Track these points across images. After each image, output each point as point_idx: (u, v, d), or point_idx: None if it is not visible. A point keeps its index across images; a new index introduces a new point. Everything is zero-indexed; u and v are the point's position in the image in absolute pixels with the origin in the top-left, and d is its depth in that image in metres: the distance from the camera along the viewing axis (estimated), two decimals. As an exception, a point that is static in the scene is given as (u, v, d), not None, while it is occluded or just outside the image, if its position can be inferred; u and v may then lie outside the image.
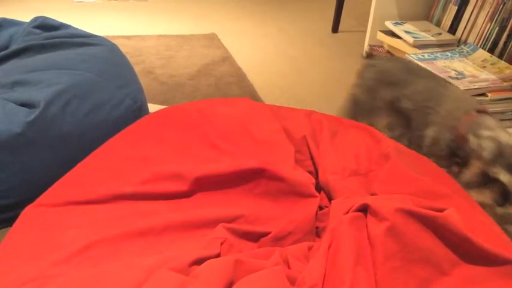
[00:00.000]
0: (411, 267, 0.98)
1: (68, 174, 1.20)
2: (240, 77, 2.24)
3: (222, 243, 1.01)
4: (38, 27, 1.68)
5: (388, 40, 2.04)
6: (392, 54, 2.04)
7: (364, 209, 1.06)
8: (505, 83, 1.57)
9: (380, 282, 0.95)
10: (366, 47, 2.16)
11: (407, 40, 1.92)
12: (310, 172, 1.29)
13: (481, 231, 1.06)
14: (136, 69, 2.25)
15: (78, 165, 1.22)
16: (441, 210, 1.05)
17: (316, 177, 1.28)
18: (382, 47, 2.11)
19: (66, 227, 1.03)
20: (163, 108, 1.51)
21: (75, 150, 1.31)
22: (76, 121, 1.35)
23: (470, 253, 1.01)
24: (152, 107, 1.63)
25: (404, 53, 1.86)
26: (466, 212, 1.12)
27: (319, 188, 1.25)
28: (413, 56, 1.77)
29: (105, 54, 1.59)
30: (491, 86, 1.56)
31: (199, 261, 0.94)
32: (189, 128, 1.34)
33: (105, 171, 1.19)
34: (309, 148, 1.36)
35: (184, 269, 0.91)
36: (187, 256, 0.94)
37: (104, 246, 0.99)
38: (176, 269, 0.90)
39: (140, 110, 1.57)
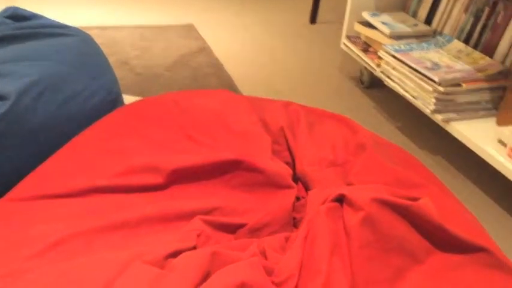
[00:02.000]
0: (386, 256, 0.99)
1: (40, 167, 1.17)
2: (217, 68, 2.22)
3: (198, 236, 1.00)
4: (9, 17, 1.63)
5: (365, 31, 2.04)
6: (369, 45, 2.05)
7: (340, 199, 1.06)
8: (480, 74, 1.59)
9: (356, 271, 0.95)
10: (343, 39, 2.16)
11: (384, 31, 1.93)
12: (287, 163, 1.29)
13: (455, 220, 1.08)
14: (111, 60, 2.22)
15: (50, 158, 1.20)
16: (416, 199, 1.06)
17: (294, 168, 1.28)
18: (359, 38, 2.11)
19: (38, 221, 1.01)
20: (139, 100, 1.48)
21: (47, 143, 1.29)
22: (48, 113, 1.32)
23: (444, 241, 1.03)
24: (127, 99, 1.61)
25: (381, 43, 1.87)
26: (440, 201, 1.13)
27: (296, 178, 1.25)
28: (390, 47, 1.78)
29: (78, 45, 1.56)
30: (466, 76, 1.57)
31: (175, 254, 0.93)
32: (165, 119, 1.33)
33: (78, 164, 1.17)
34: (286, 139, 1.36)
35: (160, 262, 0.90)
36: (163, 249, 0.93)
37: (77, 240, 0.97)
38: (151, 262, 0.89)
39: (115, 102, 1.54)
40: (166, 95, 1.48)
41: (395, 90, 1.73)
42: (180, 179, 1.14)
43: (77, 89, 1.41)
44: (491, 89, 1.59)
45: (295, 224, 1.15)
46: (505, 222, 1.33)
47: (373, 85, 2.06)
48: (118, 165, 1.15)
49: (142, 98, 1.53)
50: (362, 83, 2.12)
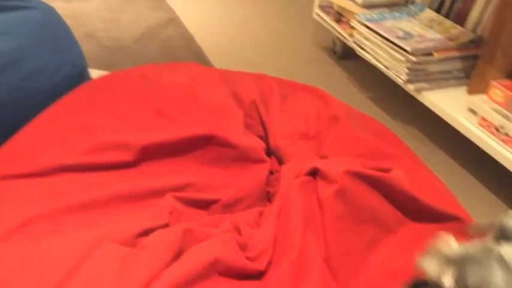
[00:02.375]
0: (359, 228, 0.99)
1: (4, 146, 1.12)
2: (187, 39, 2.17)
3: (170, 213, 0.98)
4: (-35, -11, 1.55)
5: (338, 0, 2.01)
6: (342, 15, 2.02)
7: (314, 173, 1.06)
8: (451, 43, 1.59)
9: (329, 244, 0.96)
10: (316, 8, 2.13)
11: (356, 0, 1.90)
12: (260, 137, 1.28)
13: (427, 190, 1.09)
14: (77, 33, 2.13)
15: (14, 137, 1.15)
16: (388, 170, 1.07)
17: (267, 141, 1.27)
18: (332, 7, 2.08)
19: (2, 202, 0.98)
20: (106, 74, 1.44)
21: (10, 121, 1.23)
22: (11, 90, 1.26)
23: (416, 211, 1.04)
24: (94, 73, 1.55)
25: (353, 13, 1.84)
26: (412, 171, 1.14)
27: (269, 152, 1.24)
28: (362, 16, 1.76)
29: (40, 18, 1.49)
30: (438, 45, 1.57)
31: (146, 232, 0.91)
32: (133, 94, 1.29)
33: (43, 142, 1.13)
34: (258, 112, 1.34)
35: (130, 241, 0.89)
36: (133, 227, 0.91)
37: (44, 221, 0.94)
38: (121, 241, 0.87)
39: (81, 77, 1.49)
40: (135, 68, 1.44)
41: (367, 60, 1.72)
42: (150, 156, 1.11)
43: (41, 64, 1.36)
44: (462, 58, 1.60)
45: (268, 198, 1.14)
46: (475, 190, 1.36)
47: (345, 55, 2.04)
48: (85, 143, 1.12)
49: (109, 72, 1.48)
50: (335, 53, 2.10)
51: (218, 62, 1.99)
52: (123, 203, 1.00)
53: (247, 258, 0.90)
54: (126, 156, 1.09)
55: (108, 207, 0.99)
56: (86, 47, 2.01)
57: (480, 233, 0.74)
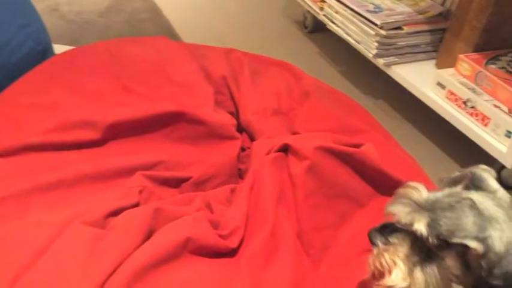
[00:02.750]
0: (331, 203, 1.00)
1: (-37, 126, 1.08)
2: (154, 12, 2.11)
3: (140, 192, 0.97)
4: None
5: (307, -27, 1.98)
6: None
7: (285, 149, 1.06)
8: (420, 16, 1.59)
9: (301, 219, 0.96)
10: (285, -20, 2.09)
11: (327, -27, 1.88)
12: (231, 113, 1.26)
13: (396, 164, 1.10)
14: (39, 6, 2.04)
15: (-26, 116, 1.10)
16: (359, 146, 1.07)
17: (238, 118, 1.25)
18: (301, -20, 2.05)
19: (-36, 185, 0.94)
20: (70, 50, 1.39)
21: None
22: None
23: (385, 185, 1.05)
24: (58, 48, 1.50)
25: (324, -14, 1.82)
26: (382, 146, 1.15)
27: (240, 129, 1.23)
28: (332, -11, 1.74)
29: (-2, -10, 1.42)
30: (407, 19, 1.57)
31: (116, 213, 0.90)
32: (99, 70, 1.25)
33: (6, 121, 1.08)
34: (229, 88, 1.32)
35: (100, 221, 0.87)
36: (102, 208, 0.89)
37: (9, 202, 0.91)
38: (90, 222, 0.85)
39: (44, 52, 1.43)
40: (100, 43, 1.39)
41: (338, 34, 1.71)
42: (117, 134, 1.08)
43: (1, 40, 1.30)
44: (431, 32, 1.60)
45: (240, 175, 1.13)
46: (443, 163, 1.38)
47: (316, 29, 2.03)
48: (50, 121, 1.08)
49: (74, 47, 1.43)
50: (305, 27, 2.09)
51: (186, 36, 1.95)
52: (91, 182, 0.98)
53: (219, 236, 0.90)
54: (93, 135, 1.06)
55: (75, 188, 0.96)
56: (49, 22, 1.93)
57: (451, 186, 0.75)
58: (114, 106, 1.12)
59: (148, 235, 0.85)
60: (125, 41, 1.44)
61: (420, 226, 0.67)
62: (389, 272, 0.71)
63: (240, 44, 1.63)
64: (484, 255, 0.65)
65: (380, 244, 0.73)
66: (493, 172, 0.75)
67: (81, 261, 0.78)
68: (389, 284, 0.71)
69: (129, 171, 1.01)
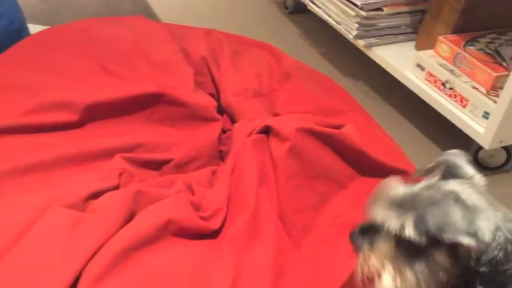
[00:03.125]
0: (312, 184, 1.00)
1: None
2: (132, -8, 2.07)
3: (120, 175, 0.96)
4: None
5: (288, -48, 1.96)
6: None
7: (266, 130, 1.05)
8: (400, -3, 1.59)
9: (283, 201, 0.96)
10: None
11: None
12: (211, 94, 1.25)
13: (377, 145, 1.11)
14: (12, -17, 1.99)
15: None
16: (339, 127, 1.08)
17: (218, 99, 1.24)
18: (281, -41, 2.03)
19: None
20: (46, 29, 1.36)
21: None
22: None
23: (366, 166, 1.06)
24: (33, 28, 1.46)
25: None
26: (362, 127, 1.16)
27: (221, 110, 1.22)
28: (313, -31, 1.73)
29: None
30: (388, 0, 1.57)
31: (96, 195, 0.89)
32: (76, 50, 1.22)
33: (-20, 103, 1.06)
34: (209, 69, 1.31)
35: (80, 204, 0.86)
36: (82, 190, 0.88)
37: (-15, 186, 0.89)
38: (70, 205, 0.84)
39: (19, 32, 1.39)
40: (77, 23, 1.36)
41: (318, 15, 1.70)
42: (96, 115, 1.06)
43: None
44: (411, 13, 1.60)
45: (221, 157, 1.13)
46: (423, 144, 1.40)
47: (297, 10, 2.01)
48: (26, 103, 1.06)
49: (49, 26, 1.39)
50: (286, 8, 2.07)
51: (165, 15, 1.91)
52: (70, 165, 0.97)
53: (201, 217, 0.89)
54: (71, 116, 1.05)
55: (54, 170, 0.95)
56: (24, 0, 1.87)
57: (426, 176, 0.73)
58: (92, 87, 1.10)
59: (129, 217, 0.85)
60: (102, 20, 1.41)
61: (408, 229, 0.65)
62: (379, 275, 0.69)
63: (219, 24, 1.61)
64: (475, 248, 0.64)
65: (364, 247, 0.71)
66: (467, 156, 0.73)
67: (61, 244, 0.77)
68: (382, 287, 0.69)
69: (109, 154, 1.00)
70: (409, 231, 0.65)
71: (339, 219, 0.97)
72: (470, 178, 0.71)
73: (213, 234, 0.90)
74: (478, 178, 0.72)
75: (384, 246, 0.69)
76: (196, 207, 0.92)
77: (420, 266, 0.67)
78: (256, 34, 1.64)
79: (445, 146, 1.37)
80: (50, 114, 1.04)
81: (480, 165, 1.28)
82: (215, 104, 1.18)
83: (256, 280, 0.82)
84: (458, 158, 0.73)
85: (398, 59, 1.49)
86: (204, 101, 1.16)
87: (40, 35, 1.30)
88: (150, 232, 0.82)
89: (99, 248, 0.77)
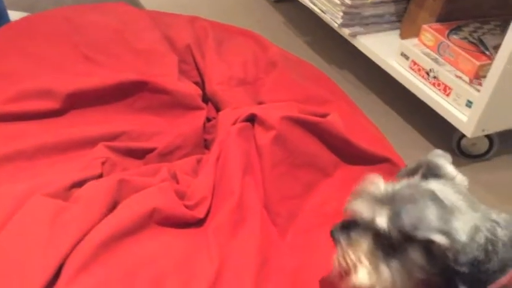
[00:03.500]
0: (297, 172, 1.01)
1: None
2: (115, -21, 2.03)
3: (103, 163, 0.95)
4: None
5: None
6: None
7: (251, 119, 1.05)
8: (385, -14, 1.59)
9: (268, 189, 0.96)
10: None
11: None
12: (196, 83, 1.24)
13: (361, 134, 1.11)
14: (-10, -31, 1.94)
15: None
16: (325, 116, 1.08)
17: (203, 88, 1.23)
18: None
19: None
20: (27, 16, 1.33)
21: None
22: None
23: (351, 154, 1.06)
24: (14, 15, 1.43)
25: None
26: (347, 116, 1.16)
27: (206, 99, 1.21)
28: (298, -43, 1.71)
29: None
30: (372, -11, 1.57)
31: (78, 184, 0.88)
32: (57, 38, 1.20)
33: (-42, 91, 1.03)
34: (193, 57, 1.29)
35: (62, 193, 0.85)
36: (65, 179, 0.86)
37: (-35, 176, 0.88)
38: (52, 194, 0.83)
39: (-2, 18, 1.37)
40: (58, 10, 1.34)
41: (304, 3, 1.70)
42: (78, 104, 1.05)
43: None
44: (396, 2, 1.60)
45: (206, 145, 1.12)
46: (406, 132, 1.40)
47: (281, -2, 2.00)
48: (7, 91, 1.04)
49: (30, 13, 1.37)
50: (270, -4, 2.06)
51: (148, 2, 1.88)
52: (52, 154, 0.95)
53: (185, 206, 0.89)
54: (52, 104, 1.03)
55: (35, 159, 0.93)
56: (1, -14, 1.83)
57: (409, 176, 0.74)
58: (73, 75, 1.09)
59: (113, 207, 0.84)
60: (83, 7, 1.39)
61: (381, 221, 0.66)
62: (355, 269, 0.70)
63: (203, 12, 1.59)
64: (450, 247, 0.64)
65: (343, 241, 0.72)
66: (449, 157, 0.74)
67: (43, 234, 0.76)
68: (357, 283, 0.70)
69: (91, 142, 0.98)
70: (384, 226, 0.66)
71: (323, 207, 0.97)
72: (451, 179, 0.71)
73: (198, 223, 0.89)
74: (460, 178, 0.72)
75: (361, 241, 0.70)
76: (181, 196, 0.91)
77: (396, 263, 0.68)
78: (241, 22, 1.63)
79: (428, 135, 1.39)
80: (30, 102, 1.02)
81: (462, 153, 1.29)
82: (200, 92, 1.18)
83: (241, 268, 0.82)
84: (440, 158, 0.74)
85: (383, 48, 1.50)
86: (188, 89, 1.15)
87: (20, 22, 1.28)
88: (134, 221, 0.81)
89: (82, 237, 0.76)
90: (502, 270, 0.67)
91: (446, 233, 0.64)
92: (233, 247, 0.85)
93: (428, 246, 0.65)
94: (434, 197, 0.66)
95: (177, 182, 0.97)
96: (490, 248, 0.67)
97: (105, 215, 0.81)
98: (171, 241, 0.84)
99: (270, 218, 0.93)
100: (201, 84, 1.25)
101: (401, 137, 1.36)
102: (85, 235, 0.77)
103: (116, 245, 0.78)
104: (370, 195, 0.70)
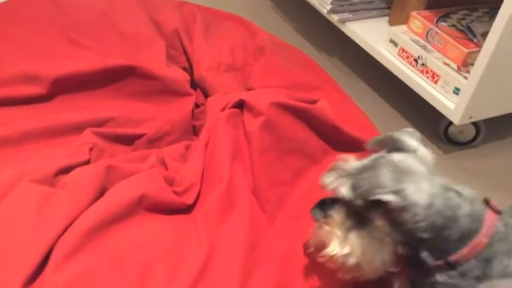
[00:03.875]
0: (285, 159, 1.00)
1: None
2: (101, -38, 1.99)
3: (91, 149, 0.94)
4: None
5: None
6: None
7: (240, 105, 1.04)
8: (374, -27, 1.59)
9: (256, 175, 0.96)
10: None
11: None
12: (184, 68, 1.23)
13: (350, 120, 1.12)
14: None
15: None
16: (314, 102, 1.08)
17: (191, 73, 1.22)
18: None
19: None
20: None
21: None
22: None
23: (339, 141, 1.07)
24: (-4, -3, 1.40)
25: None
26: (336, 102, 1.16)
27: (194, 85, 1.20)
28: None
29: None
30: (362, -25, 1.56)
31: (66, 170, 0.87)
32: (42, 22, 1.18)
33: None
34: (181, 42, 1.28)
35: (49, 179, 0.84)
36: (52, 165, 0.86)
37: (-51, 162, 0.86)
38: (40, 180, 0.82)
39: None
40: (43, -8, 1.31)
41: (292, -11, 1.68)
42: (65, 89, 1.03)
43: None
44: (384, -11, 1.60)
45: (195, 131, 1.12)
46: (394, 119, 1.41)
47: (270, -16, 1.98)
48: (-10, 75, 1.02)
49: (13, -4, 1.33)
50: (259, -19, 2.04)
51: (136, -13, 1.86)
52: (38, 140, 0.94)
53: (174, 192, 0.89)
54: (38, 89, 1.01)
55: (21, 145, 0.92)
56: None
57: (377, 148, 0.79)
58: (60, 60, 1.07)
59: (101, 193, 0.83)
60: (69, -10, 1.36)
61: (344, 190, 0.71)
62: (328, 240, 0.75)
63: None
64: (404, 208, 0.68)
65: (319, 217, 0.77)
66: (417, 134, 0.78)
67: (31, 220, 0.75)
68: (330, 253, 0.74)
69: (79, 128, 0.97)
70: (347, 195, 0.71)
71: (312, 194, 0.97)
72: (413, 151, 0.75)
73: (187, 209, 0.89)
74: (423, 152, 0.75)
75: (335, 215, 0.75)
76: (170, 182, 0.91)
77: (365, 231, 0.73)
78: (229, 7, 1.61)
79: (416, 122, 1.39)
80: (16, 88, 1.00)
81: (450, 140, 1.30)
82: (188, 78, 1.17)
83: (230, 254, 0.82)
84: (404, 134, 0.77)
85: (372, 35, 1.49)
86: (177, 74, 1.14)
87: (5, 6, 1.25)
88: (123, 207, 0.80)
89: (71, 223, 0.76)
90: (463, 241, 0.70)
91: (397, 192, 0.68)
92: (222, 233, 0.85)
93: (389, 210, 0.69)
94: (394, 165, 0.70)
95: (166, 168, 0.96)
96: (449, 214, 0.70)
97: (93, 201, 0.80)
98: (159, 227, 0.84)
99: (259, 204, 0.93)
100: (190, 70, 1.24)
101: (389, 123, 1.37)
102: (73, 221, 0.76)
103: (104, 231, 0.78)
104: (340, 170, 0.74)
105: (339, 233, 0.74)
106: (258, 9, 1.86)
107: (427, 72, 1.29)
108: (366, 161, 0.74)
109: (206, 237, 0.83)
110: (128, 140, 1.03)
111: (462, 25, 1.33)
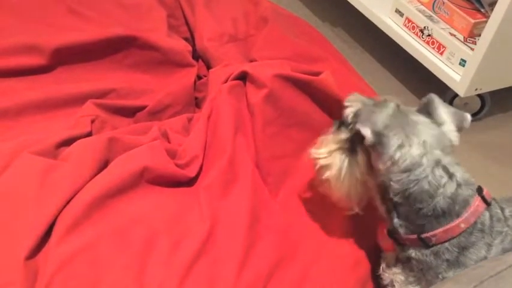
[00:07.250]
0: (289, 131, 0.99)
1: None
2: None
3: (92, 121, 0.93)
4: None
5: None
6: None
7: (243, 77, 1.03)
8: None
9: (259, 148, 0.95)
10: None
11: None
12: (186, 39, 1.21)
13: (353, 92, 1.10)
14: None
15: None
16: (317, 74, 1.06)
17: (193, 44, 1.20)
18: None
19: None
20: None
21: None
22: None
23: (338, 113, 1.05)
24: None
25: None
26: (340, 74, 1.14)
27: (196, 56, 1.18)
28: None
29: None
30: None
31: (67, 142, 0.86)
32: (41, -10, 1.15)
33: None
34: (183, 12, 1.25)
35: (51, 151, 0.83)
36: (53, 137, 0.85)
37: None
38: (41, 152, 0.82)
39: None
40: (41, -40, 1.28)
41: (296, -43, 1.64)
42: (65, 60, 1.01)
43: None
44: (391, -43, 1.56)
45: (197, 104, 1.10)
46: (399, 91, 1.40)
47: (273, -49, 1.94)
48: (-12, 46, 1.00)
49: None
50: (262, -51, 1.99)
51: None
52: (39, 111, 0.93)
53: (177, 165, 0.88)
54: (38, 60, 1.00)
55: (21, 117, 0.91)
56: None
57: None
58: (60, 30, 1.05)
59: (103, 165, 0.83)
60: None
61: (348, 111, 0.75)
62: (321, 146, 0.81)
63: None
64: (379, 154, 0.70)
65: (331, 130, 0.83)
66: (463, 115, 0.77)
67: (33, 192, 0.75)
68: (313, 155, 0.81)
69: (80, 100, 0.96)
70: (350, 117, 0.75)
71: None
72: (440, 124, 0.74)
73: (190, 181, 0.89)
74: (449, 129, 0.75)
75: (343, 133, 0.79)
76: (172, 154, 0.90)
77: (348, 157, 0.78)
78: (232, -24, 1.58)
79: (420, 94, 1.38)
80: (15, 58, 0.99)
81: (454, 113, 1.29)
82: (190, 48, 1.15)
83: (232, 227, 0.82)
84: (443, 104, 0.77)
85: (377, 4, 1.47)
86: (178, 45, 1.11)
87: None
88: (125, 179, 0.80)
89: (73, 195, 0.75)
90: (439, 221, 0.70)
91: (376, 134, 0.70)
92: (225, 206, 0.85)
93: (367, 151, 0.73)
94: (398, 109, 0.72)
95: (168, 141, 0.96)
96: (426, 188, 0.69)
97: (96, 173, 0.80)
98: (162, 200, 0.84)
99: (262, 177, 0.93)
100: (191, 40, 1.22)
101: (393, 95, 1.35)
102: (75, 193, 0.76)
103: (106, 203, 0.78)
104: (361, 101, 0.77)
105: (332, 146, 0.80)
106: (261, -22, 1.82)
107: (432, 43, 1.27)
108: (384, 100, 0.75)
109: (209, 210, 0.83)
110: (129, 112, 1.02)
111: (470, -5, 1.30)
